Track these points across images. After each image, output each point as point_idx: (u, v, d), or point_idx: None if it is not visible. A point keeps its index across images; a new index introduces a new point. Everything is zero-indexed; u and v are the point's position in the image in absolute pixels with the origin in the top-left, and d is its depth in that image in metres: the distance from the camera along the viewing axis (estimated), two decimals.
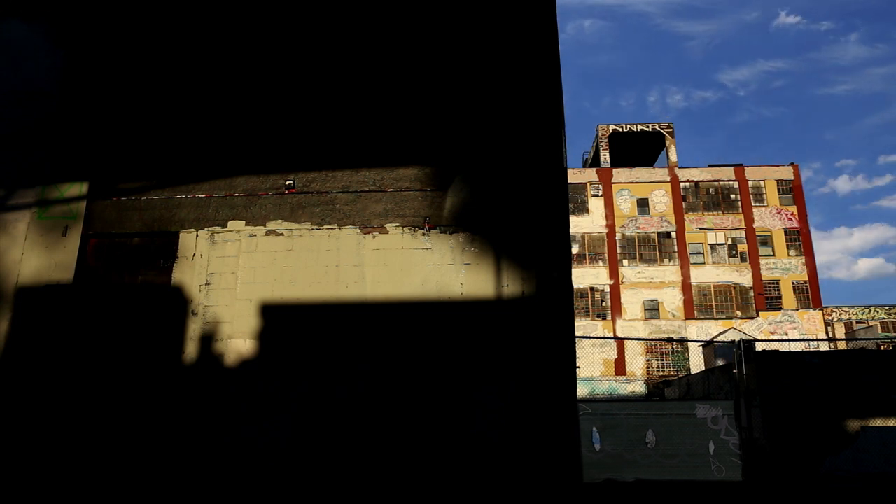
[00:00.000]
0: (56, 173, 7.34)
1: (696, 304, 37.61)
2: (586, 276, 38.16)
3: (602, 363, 35.48)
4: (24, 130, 7.54)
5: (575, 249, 38.70)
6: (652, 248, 38.97)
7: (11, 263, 7.03)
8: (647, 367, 35.60)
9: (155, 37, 7.80)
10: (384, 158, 7.02)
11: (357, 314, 6.52)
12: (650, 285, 38.07)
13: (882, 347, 31.49)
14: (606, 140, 41.90)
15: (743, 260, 38.42)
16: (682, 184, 39.89)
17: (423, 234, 6.73)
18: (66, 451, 6.40)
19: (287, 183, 7.06)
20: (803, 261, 37.99)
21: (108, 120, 7.54)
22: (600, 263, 38.67)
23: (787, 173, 39.71)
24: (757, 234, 38.76)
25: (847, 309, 44.42)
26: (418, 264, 6.61)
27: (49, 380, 6.61)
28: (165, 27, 7.82)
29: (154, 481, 6.23)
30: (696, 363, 33.05)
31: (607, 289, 38.11)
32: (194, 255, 6.92)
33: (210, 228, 7.00)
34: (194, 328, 6.66)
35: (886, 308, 44.07)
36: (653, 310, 37.70)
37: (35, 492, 6.28)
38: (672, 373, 34.11)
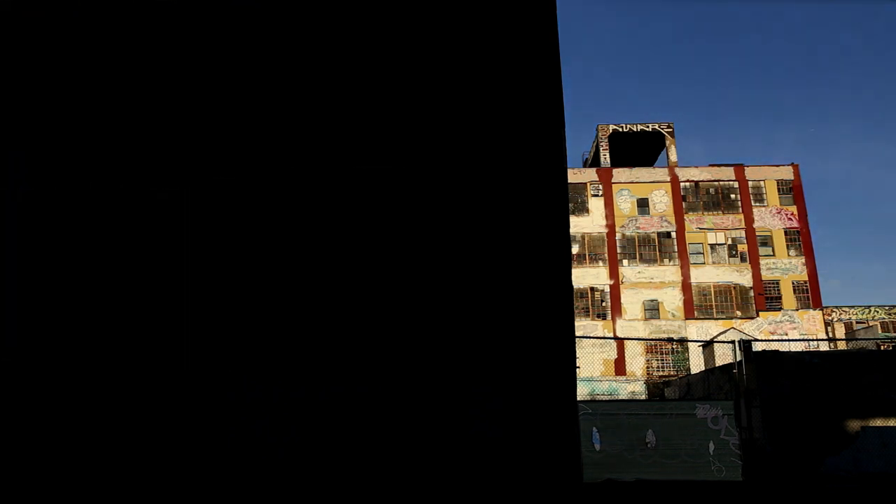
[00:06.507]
0: None
1: (696, 304, 37.64)
2: (586, 276, 38.18)
3: (602, 363, 35.48)
4: None
5: (575, 249, 38.72)
6: (652, 248, 39.00)
7: None
8: (647, 367, 35.61)
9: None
10: (379, 158, 7.02)
11: None
12: (650, 285, 38.10)
13: (882, 347, 31.48)
14: (606, 140, 41.90)
15: (743, 260, 38.45)
16: (682, 184, 39.90)
17: None
18: (65, 450, 6.40)
19: None
20: (803, 261, 38.03)
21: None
22: (600, 263, 38.69)
23: (787, 173, 39.73)
24: (757, 234, 38.78)
25: (847, 309, 44.42)
26: None
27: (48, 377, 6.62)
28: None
29: (154, 480, 6.24)
30: (696, 363, 33.08)
31: (607, 289, 38.13)
32: None
33: None
34: None
35: (886, 308, 44.08)
36: (653, 310, 37.73)
37: (36, 490, 6.28)
38: (672, 373, 34.12)
